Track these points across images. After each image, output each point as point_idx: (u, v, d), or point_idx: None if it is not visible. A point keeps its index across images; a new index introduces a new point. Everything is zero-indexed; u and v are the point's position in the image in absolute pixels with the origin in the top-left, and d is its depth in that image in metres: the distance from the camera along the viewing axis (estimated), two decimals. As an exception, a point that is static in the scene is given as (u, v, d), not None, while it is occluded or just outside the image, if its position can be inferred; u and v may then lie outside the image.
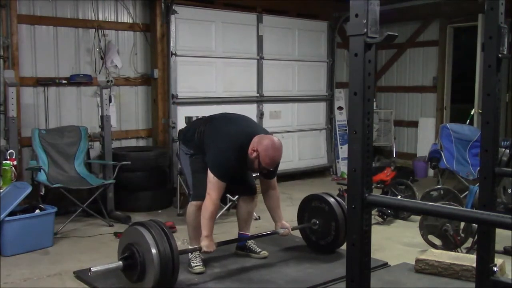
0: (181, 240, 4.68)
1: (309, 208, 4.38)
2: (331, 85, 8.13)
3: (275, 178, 4.08)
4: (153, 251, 3.23)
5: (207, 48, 6.70)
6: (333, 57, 8.08)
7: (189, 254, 3.90)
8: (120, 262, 3.37)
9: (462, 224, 4.29)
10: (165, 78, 6.38)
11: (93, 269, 3.23)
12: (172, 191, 6.10)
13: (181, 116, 6.26)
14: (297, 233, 4.47)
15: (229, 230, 4.93)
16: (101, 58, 6.05)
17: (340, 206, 4.21)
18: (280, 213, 4.12)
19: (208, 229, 3.70)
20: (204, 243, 3.69)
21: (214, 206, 3.68)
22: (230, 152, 3.70)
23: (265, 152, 3.64)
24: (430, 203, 2.06)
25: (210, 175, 3.68)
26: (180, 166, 4.23)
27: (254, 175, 4.40)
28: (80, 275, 3.80)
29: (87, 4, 5.98)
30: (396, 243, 4.70)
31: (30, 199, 4.69)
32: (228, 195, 5.29)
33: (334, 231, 4.17)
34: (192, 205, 3.91)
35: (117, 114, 6.25)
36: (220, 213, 5.29)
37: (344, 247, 4.17)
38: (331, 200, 4.25)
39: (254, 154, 3.66)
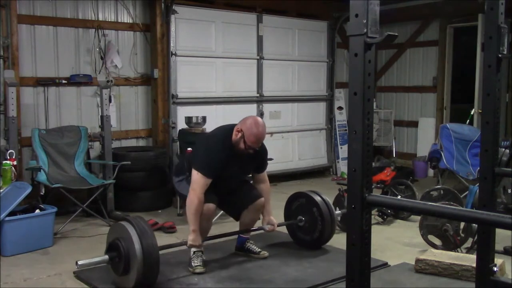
0: (181, 240, 4.68)
1: (296, 205, 4.50)
2: (331, 85, 8.13)
3: (265, 172, 4.16)
4: (136, 246, 3.33)
5: (207, 48, 6.70)
6: (333, 57, 8.08)
7: (190, 254, 3.92)
8: (106, 256, 3.48)
9: (462, 224, 4.29)
10: (165, 78, 6.38)
11: (79, 262, 3.34)
12: (172, 191, 6.10)
13: (181, 116, 6.27)
14: (284, 229, 4.55)
15: (229, 230, 4.90)
16: (101, 58, 6.05)
17: (326, 204, 4.35)
18: (269, 208, 4.16)
19: (195, 224, 3.74)
20: (191, 237, 3.75)
21: (198, 200, 3.71)
22: (212, 147, 3.80)
23: (249, 131, 3.73)
24: (430, 203, 2.06)
25: (194, 172, 3.75)
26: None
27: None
28: (80, 275, 3.80)
29: (87, 4, 5.98)
30: (396, 243, 4.70)
31: (30, 199, 4.69)
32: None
33: (320, 229, 4.31)
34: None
35: (117, 114, 6.25)
36: (220, 213, 5.29)
37: (331, 243, 4.18)
38: (318, 198, 4.37)
39: (239, 134, 3.76)
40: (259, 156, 4.01)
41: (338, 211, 4.58)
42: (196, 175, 3.73)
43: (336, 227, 5.00)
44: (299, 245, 4.48)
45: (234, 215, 4.27)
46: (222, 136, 3.86)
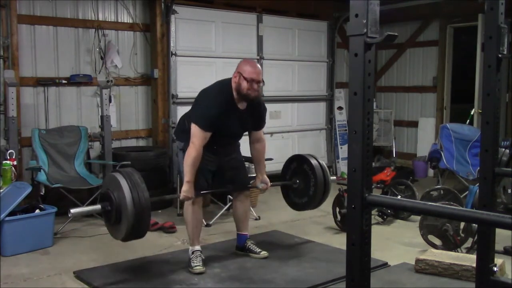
0: (181, 240, 4.69)
1: (293, 167, 4.53)
2: (331, 85, 8.13)
3: (262, 131, 4.25)
4: (127, 194, 3.37)
5: (207, 48, 6.69)
6: (333, 57, 8.08)
7: (190, 254, 3.92)
8: (99, 205, 3.53)
9: (462, 224, 4.29)
10: (165, 78, 6.38)
11: (72, 210, 3.41)
12: (172, 191, 6.10)
13: (181, 116, 6.25)
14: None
15: (229, 230, 4.92)
16: (101, 58, 6.04)
17: (321, 169, 4.37)
18: (263, 167, 4.22)
19: (190, 175, 3.76)
20: (185, 188, 3.77)
21: (196, 153, 3.75)
22: (209, 101, 3.83)
23: (245, 67, 3.83)
24: (430, 203, 2.06)
25: (193, 126, 3.78)
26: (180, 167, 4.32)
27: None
28: (80, 275, 3.80)
29: (87, 4, 5.98)
30: (396, 243, 4.70)
31: (30, 199, 4.69)
32: (228, 195, 5.30)
33: (312, 193, 4.35)
34: (187, 203, 3.93)
35: (117, 114, 6.25)
36: (220, 213, 5.30)
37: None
38: (314, 162, 4.40)
39: (237, 76, 3.83)
40: (257, 111, 4.11)
41: (333, 177, 4.61)
42: (194, 128, 3.77)
43: (336, 226, 5.02)
44: (292, 207, 4.56)
45: (218, 193, 4.38)
46: (221, 89, 3.90)
